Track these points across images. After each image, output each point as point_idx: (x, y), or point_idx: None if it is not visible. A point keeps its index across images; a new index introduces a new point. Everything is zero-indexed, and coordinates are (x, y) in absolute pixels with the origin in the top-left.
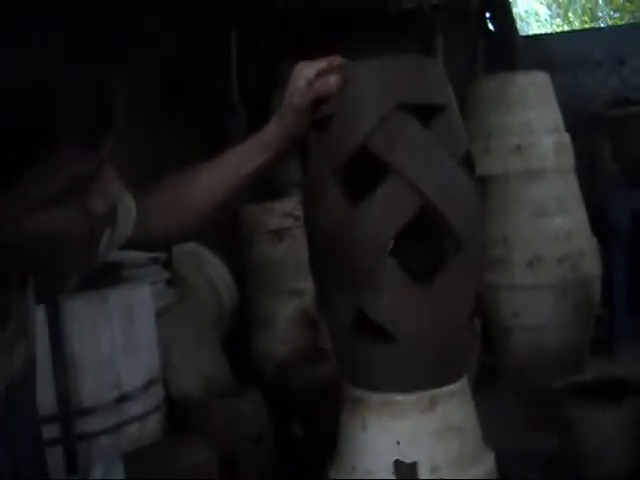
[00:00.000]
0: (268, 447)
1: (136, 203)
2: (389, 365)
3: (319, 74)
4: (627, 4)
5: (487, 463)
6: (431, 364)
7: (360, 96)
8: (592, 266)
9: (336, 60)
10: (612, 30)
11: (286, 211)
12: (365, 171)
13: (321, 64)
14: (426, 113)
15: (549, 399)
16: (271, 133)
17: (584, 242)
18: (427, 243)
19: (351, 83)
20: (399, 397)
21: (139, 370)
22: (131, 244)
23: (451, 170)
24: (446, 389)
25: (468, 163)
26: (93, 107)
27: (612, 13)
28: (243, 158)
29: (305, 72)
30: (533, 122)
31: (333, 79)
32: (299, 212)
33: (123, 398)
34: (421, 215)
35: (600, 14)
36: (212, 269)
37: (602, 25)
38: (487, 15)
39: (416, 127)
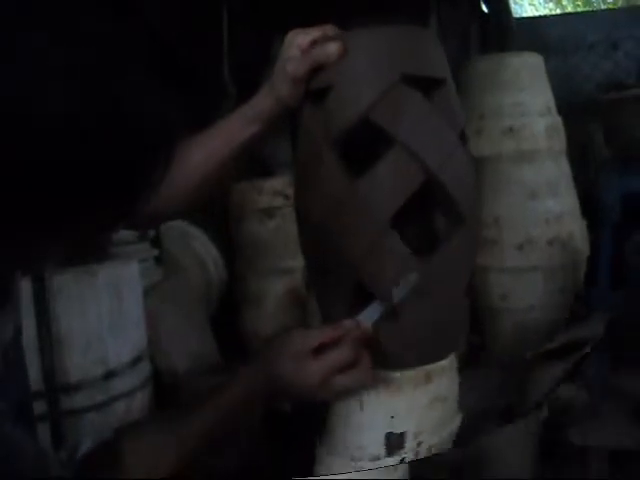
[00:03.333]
0: (255, 424)
1: None
2: (390, 342)
3: (313, 42)
4: None
5: (454, 425)
6: (431, 340)
7: (362, 66)
8: (581, 249)
9: (330, 29)
10: (606, 14)
11: (276, 189)
12: (358, 148)
13: (315, 32)
14: (427, 85)
15: (523, 366)
16: (261, 104)
17: (574, 225)
18: (419, 220)
19: (352, 52)
20: (398, 374)
21: (126, 347)
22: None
23: (453, 143)
24: (441, 364)
25: (464, 138)
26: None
27: None
28: (232, 130)
29: (298, 40)
30: (526, 104)
31: (334, 47)
32: (289, 191)
33: (110, 375)
34: (422, 188)
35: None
36: (200, 246)
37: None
38: None
39: (419, 99)
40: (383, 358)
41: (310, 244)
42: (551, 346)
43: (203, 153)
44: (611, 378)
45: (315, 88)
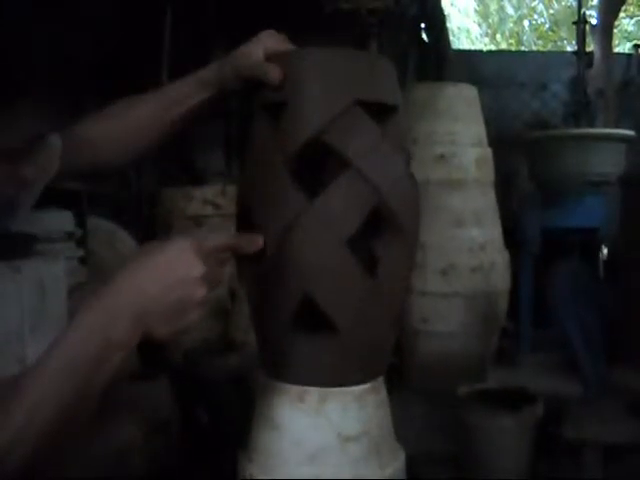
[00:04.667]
0: (173, 434)
1: (78, 133)
2: (330, 358)
3: (274, 54)
4: (550, 33)
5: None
6: (369, 357)
7: (316, 86)
8: (502, 279)
9: (285, 41)
10: (537, 55)
11: (207, 198)
12: (312, 164)
13: (285, 45)
14: (379, 111)
15: (452, 404)
16: (210, 74)
17: (497, 255)
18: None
19: (306, 70)
20: (338, 390)
21: (45, 346)
22: (78, 174)
23: (401, 169)
24: (378, 381)
25: (409, 163)
26: (61, 81)
27: (536, 40)
28: (182, 93)
29: (268, 43)
30: (458, 133)
31: (276, 72)
32: (219, 200)
33: None
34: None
35: (525, 38)
36: (126, 249)
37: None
38: (422, 25)
39: (372, 124)
40: (319, 374)
41: (257, 259)
42: (485, 387)
43: (152, 109)
44: (607, 374)
45: (270, 102)
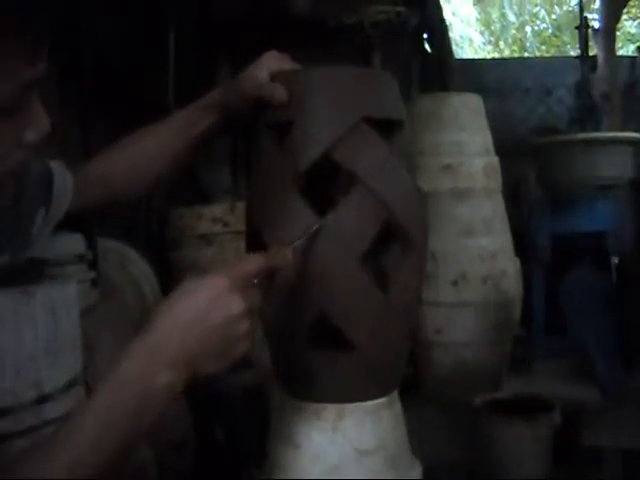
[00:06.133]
0: (190, 453)
1: (88, 171)
2: (345, 374)
3: (279, 74)
4: (553, 38)
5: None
6: (384, 371)
7: (322, 104)
8: (514, 287)
9: (288, 60)
10: (541, 61)
11: (216, 216)
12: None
13: (289, 63)
14: (385, 127)
15: (469, 414)
16: (214, 100)
17: (508, 263)
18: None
19: (311, 89)
20: (354, 405)
21: (61, 370)
22: (86, 210)
23: (410, 184)
24: (393, 395)
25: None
26: (32, 18)
27: (539, 45)
28: (188, 121)
29: (272, 65)
30: (464, 143)
31: (282, 91)
32: (229, 218)
33: (43, 399)
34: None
35: (528, 44)
36: (137, 270)
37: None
38: (425, 36)
39: (379, 141)
40: (337, 391)
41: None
42: (501, 396)
43: (159, 140)
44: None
45: (276, 122)
